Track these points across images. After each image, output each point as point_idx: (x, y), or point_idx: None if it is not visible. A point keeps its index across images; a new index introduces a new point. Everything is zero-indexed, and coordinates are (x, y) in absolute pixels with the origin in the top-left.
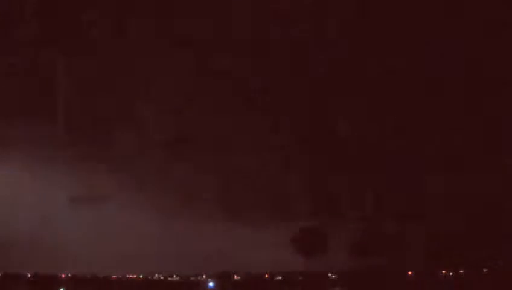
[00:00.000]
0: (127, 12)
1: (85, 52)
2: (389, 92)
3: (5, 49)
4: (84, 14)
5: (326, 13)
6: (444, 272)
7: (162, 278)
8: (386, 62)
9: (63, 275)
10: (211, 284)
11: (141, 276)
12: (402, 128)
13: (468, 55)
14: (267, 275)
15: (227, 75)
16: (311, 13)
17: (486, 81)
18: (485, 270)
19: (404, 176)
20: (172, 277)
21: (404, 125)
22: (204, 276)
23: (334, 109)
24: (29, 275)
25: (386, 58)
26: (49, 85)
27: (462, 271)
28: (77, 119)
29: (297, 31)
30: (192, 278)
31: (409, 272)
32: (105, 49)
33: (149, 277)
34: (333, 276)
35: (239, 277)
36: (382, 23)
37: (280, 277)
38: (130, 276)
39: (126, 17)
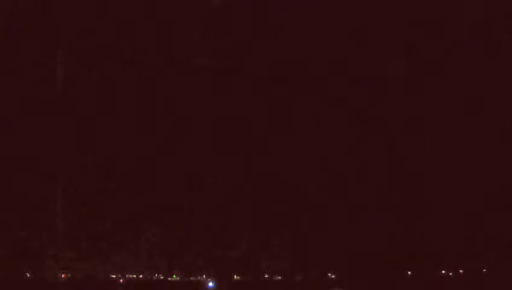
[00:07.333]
0: None
1: None
2: None
3: None
4: None
5: None
6: (444, 272)
7: (162, 278)
8: None
9: (63, 275)
10: (210, 284)
11: (141, 276)
12: None
13: None
14: (267, 275)
15: None
16: None
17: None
18: (484, 270)
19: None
20: (172, 277)
21: None
22: (204, 276)
23: None
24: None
25: None
26: None
27: (461, 271)
28: None
29: None
30: (192, 278)
31: (409, 272)
32: None
33: (149, 277)
34: (333, 276)
35: (239, 277)
36: None
37: (280, 277)
38: (130, 276)
39: None
